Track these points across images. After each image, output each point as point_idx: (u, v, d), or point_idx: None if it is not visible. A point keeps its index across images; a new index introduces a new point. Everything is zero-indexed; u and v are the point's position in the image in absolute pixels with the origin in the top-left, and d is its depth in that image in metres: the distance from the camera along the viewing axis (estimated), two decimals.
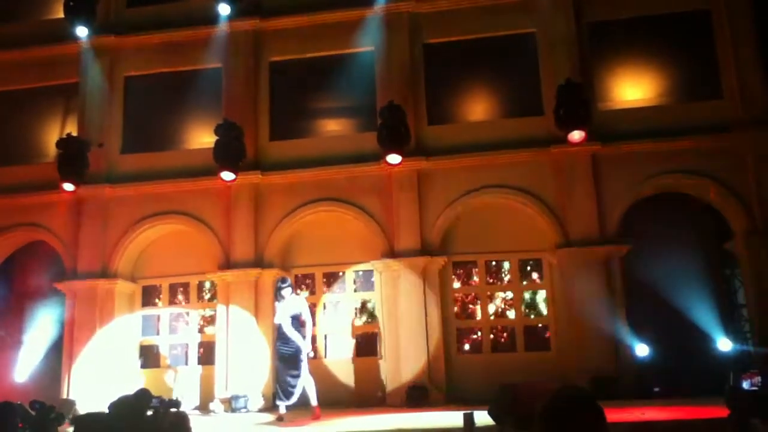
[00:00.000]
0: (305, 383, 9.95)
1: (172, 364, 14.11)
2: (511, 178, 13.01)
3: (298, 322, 10.17)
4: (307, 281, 14.10)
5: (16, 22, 15.55)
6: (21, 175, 14.36)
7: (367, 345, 13.74)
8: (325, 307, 13.94)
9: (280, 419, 9.97)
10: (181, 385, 13.46)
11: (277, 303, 10.17)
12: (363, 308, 14.02)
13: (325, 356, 13.61)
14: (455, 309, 13.51)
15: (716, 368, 11.00)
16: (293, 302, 10.24)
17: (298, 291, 13.23)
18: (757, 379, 7.58)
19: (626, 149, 12.69)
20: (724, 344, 12.00)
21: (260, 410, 12.32)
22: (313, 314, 13.18)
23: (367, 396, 12.77)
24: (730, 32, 13.00)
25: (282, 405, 10.00)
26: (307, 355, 10.16)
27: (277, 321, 10.27)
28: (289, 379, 9.93)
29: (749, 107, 12.60)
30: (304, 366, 9.98)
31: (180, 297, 14.60)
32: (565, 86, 12.29)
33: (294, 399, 9.92)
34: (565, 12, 13.46)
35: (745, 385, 7.48)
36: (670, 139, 12.51)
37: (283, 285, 10.32)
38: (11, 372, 13.92)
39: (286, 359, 10.00)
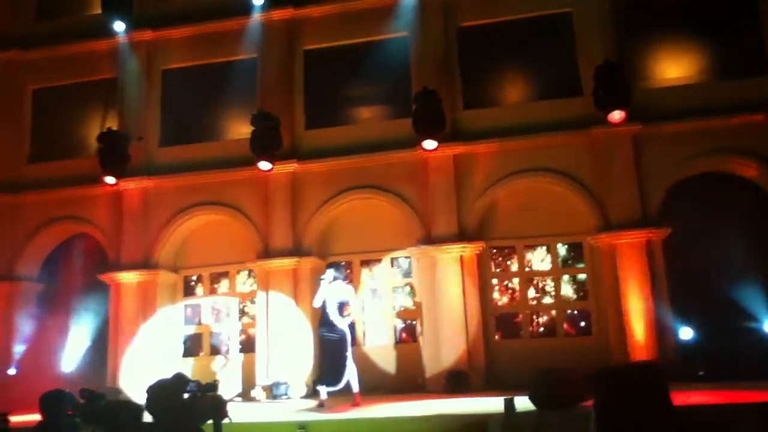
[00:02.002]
0: (349, 369, 9.98)
1: (213, 353, 14.32)
2: (549, 161, 12.83)
3: (344, 309, 10.18)
4: (346, 269, 14.12)
5: (55, 20, 15.84)
6: (63, 170, 14.68)
7: (406, 331, 13.74)
8: (363, 294, 13.96)
9: (321, 405, 10.02)
10: (223, 372, 13.63)
11: (321, 288, 10.14)
12: (401, 295, 14.00)
13: (365, 343, 13.65)
14: (494, 294, 13.41)
15: (762, 351, 10.75)
16: (341, 289, 10.22)
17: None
18: None
19: (667, 129, 12.41)
20: None
21: (301, 397, 12.43)
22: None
23: (407, 382, 12.78)
24: None
25: (323, 391, 10.04)
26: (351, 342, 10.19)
27: (316, 304, 10.27)
28: (335, 365, 9.95)
29: None
30: (350, 353, 10.01)
31: (220, 286, 14.76)
32: (604, 66, 12.04)
33: (340, 385, 9.94)
34: None
35: None
36: (712, 118, 12.19)
37: (331, 269, 10.32)
38: (58, 362, 14.26)
39: (332, 345, 10.00)
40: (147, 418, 5.07)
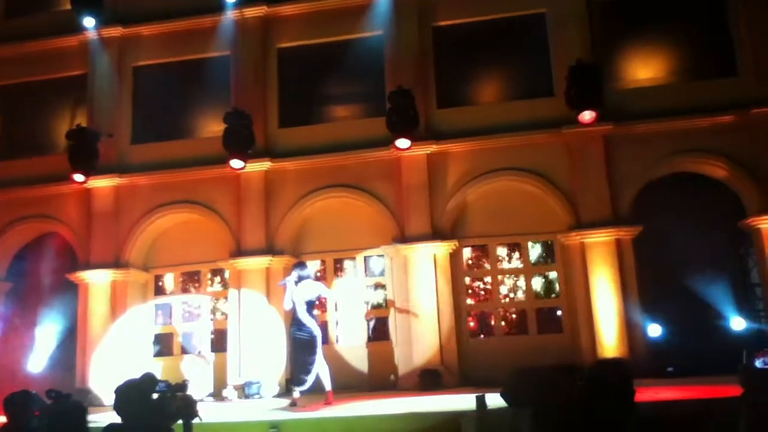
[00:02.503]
0: (320, 369, 9.96)
1: (185, 352, 14.19)
2: (522, 161, 12.92)
3: (313, 307, 10.15)
4: (319, 267, 14.08)
5: (24, 15, 15.58)
6: (32, 168, 14.43)
7: (379, 330, 13.75)
8: (336, 293, 13.91)
9: (293, 404, 9.99)
10: (195, 372, 13.51)
11: (289, 288, 10.10)
12: (375, 293, 13.99)
13: (338, 342, 13.62)
14: (467, 292, 13.47)
15: (730, 347, 10.90)
16: (309, 288, 10.19)
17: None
18: None
19: (639, 129, 12.56)
20: (737, 323, 11.93)
21: (274, 396, 12.37)
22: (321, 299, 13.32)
23: (380, 380, 12.78)
24: (745, 8, 12.79)
25: (296, 390, 10.01)
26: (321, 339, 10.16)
27: (287, 306, 10.25)
28: (305, 364, 9.93)
29: (764, 84, 12.37)
30: (320, 351, 9.98)
31: (192, 285, 14.64)
32: (576, 67, 12.14)
33: (309, 384, 9.92)
34: None
35: (759, 363, 7.40)
36: (683, 119, 12.37)
37: (297, 269, 10.28)
38: (26, 362, 14.04)
39: (302, 345, 9.98)
40: (110, 419, 5.00)
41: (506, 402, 7.47)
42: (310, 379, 9.88)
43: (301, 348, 10.00)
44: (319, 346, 10.00)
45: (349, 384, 12.41)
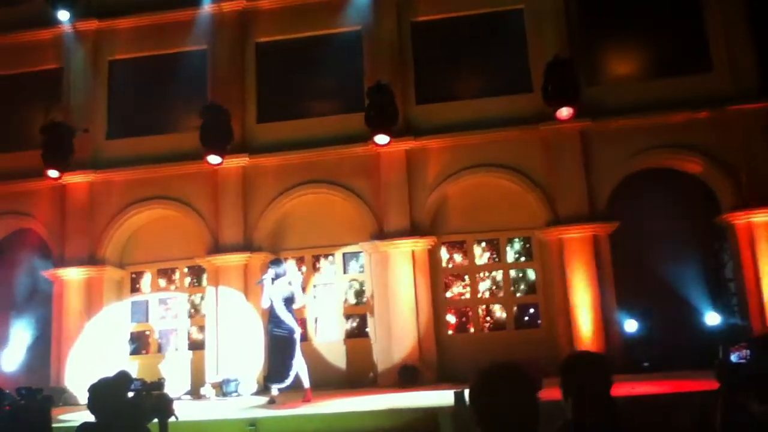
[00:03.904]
0: (298, 366, 9.92)
1: (162, 350, 14.07)
2: (500, 157, 12.95)
3: (291, 304, 10.10)
4: (298, 264, 14.03)
5: None
6: (4, 163, 14.17)
7: (357, 326, 13.74)
8: (315, 290, 13.88)
9: (272, 402, 9.94)
10: (172, 370, 13.39)
11: (266, 286, 10.06)
12: (353, 290, 13.96)
13: (316, 338, 13.58)
14: (445, 289, 13.48)
15: (705, 342, 11.04)
16: (285, 284, 10.13)
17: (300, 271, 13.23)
18: (746, 352, 7.56)
19: (615, 125, 12.64)
20: (712, 318, 12.07)
21: (252, 394, 12.30)
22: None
23: (359, 377, 12.78)
24: (720, 4, 12.92)
25: (274, 388, 9.96)
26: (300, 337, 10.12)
27: (264, 305, 10.21)
28: (284, 361, 9.88)
29: (739, 81, 12.52)
30: (297, 348, 9.94)
31: (169, 282, 14.51)
32: (553, 63, 12.17)
33: (288, 382, 9.88)
34: None
35: (734, 358, 7.46)
36: (659, 114, 12.48)
37: (273, 267, 10.22)
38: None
39: (280, 342, 9.93)
40: (84, 418, 4.95)
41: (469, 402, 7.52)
42: (288, 377, 9.84)
43: (280, 345, 9.95)
44: (298, 343, 9.96)
45: (328, 381, 12.38)
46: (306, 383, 10.00)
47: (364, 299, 13.64)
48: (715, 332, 11.73)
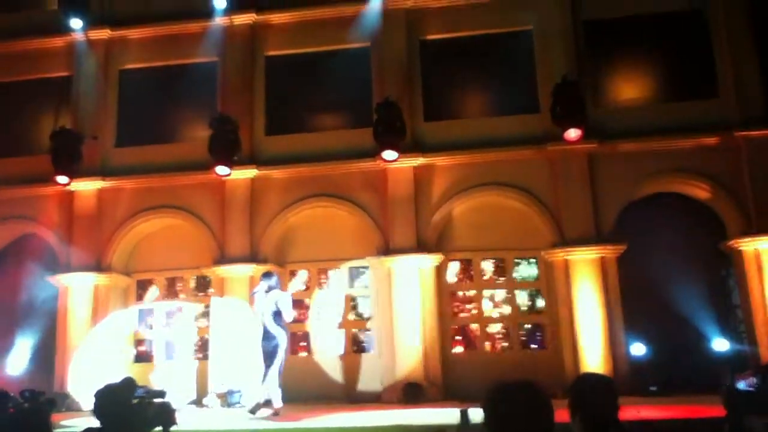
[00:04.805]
0: (272, 378, 9.89)
1: (166, 359, 14.06)
2: (506, 176, 13.00)
3: (280, 317, 10.13)
4: (304, 277, 14.06)
5: (9, 14, 15.38)
6: (14, 168, 14.23)
7: (361, 341, 13.74)
8: (319, 303, 13.89)
9: (275, 414, 9.94)
10: (176, 379, 13.37)
11: (258, 298, 10.14)
12: (358, 304, 13.97)
13: (319, 352, 13.57)
14: (451, 306, 13.48)
15: (712, 368, 11.05)
16: (275, 298, 10.17)
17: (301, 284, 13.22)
18: (753, 379, 7.60)
19: (623, 148, 12.71)
20: (719, 344, 12.05)
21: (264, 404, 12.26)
22: (304, 308, 13.35)
23: (362, 392, 12.75)
24: (727, 31, 13.04)
25: (277, 399, 9.96)
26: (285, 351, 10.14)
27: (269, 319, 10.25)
28: (264, 373, 9.95)
29: (745, 106, 12.62)
30: (278, 362, 9.93)
31: (175, 291, 14.50)
32: (562, 84, 12.28)
33: (275, 395, 9.89)
34: (561, 9, 13.45)
35: (741, 385, 7.50)
36: (666, 138, 12.55)
37: (265, 279, 10.27)
38: (4, 365, 13.80)
39: (266, 354, 10.01)
40: (88, 424, 4.98)
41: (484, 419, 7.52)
42: (275, 389, 9.88)
43: (266, 357, 10.01)
44: (279, 357, 9.95)
45: (330, 395, 12.40)
46: (274, 400, 9.95)
47: (368, 314, 13.63)
48: (722, 358, 11.70)
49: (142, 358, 14.18)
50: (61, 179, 13.39)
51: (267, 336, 9.99)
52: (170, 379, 13.17)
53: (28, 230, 14.36)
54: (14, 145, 14.95)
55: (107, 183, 13.97)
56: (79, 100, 14.56)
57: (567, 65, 12.92)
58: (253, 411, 9.94)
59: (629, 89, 13.82)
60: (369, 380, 12.91)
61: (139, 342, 14.29)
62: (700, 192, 12.71)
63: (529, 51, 13.66)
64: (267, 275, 10.48)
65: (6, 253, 14.77)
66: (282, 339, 9.98)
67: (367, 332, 13.70)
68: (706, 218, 12.79)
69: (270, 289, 10.12)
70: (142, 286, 14.48)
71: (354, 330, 13.79)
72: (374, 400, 12.36)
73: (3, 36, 14.80)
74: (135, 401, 5.70)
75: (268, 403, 9.96)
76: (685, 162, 12.50)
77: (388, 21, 13.88)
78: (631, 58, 13.81)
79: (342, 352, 13.52)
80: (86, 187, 13.88)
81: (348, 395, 12.76)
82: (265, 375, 9.92)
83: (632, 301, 12.34)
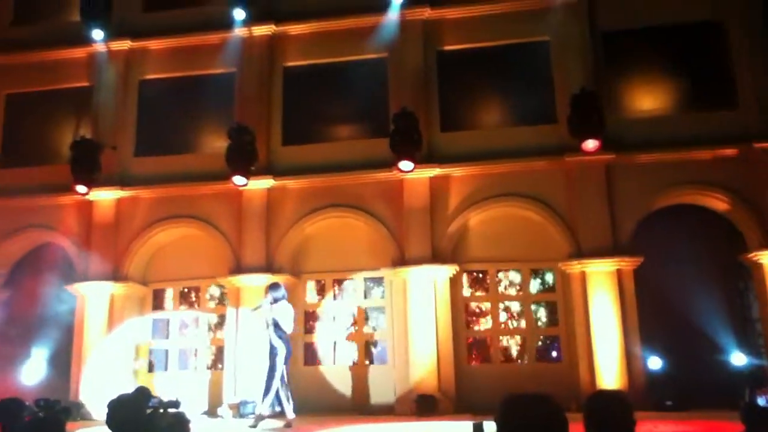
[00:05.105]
0: (271, 390, 9.90)
1: (181, 368, 14.09)
2: (523, 187, 12.92)
3: (280, 329, 10.13)
4: (318, 287, 14.05)
5: (31, 25, 15.63)
6: (34, 177, 14.40)
7: (375, 352, 13.68)
8: (333, 314, 13.87)
9: (287, 426, 9.92)
10: (189, 389, 13.39)
11: (264, 309, 10.16)
12: (372, 315, 13.93)
13: (333, 363, 13.55)
14: (465, 318, 13.40)
15: (730, 383, 10.87)
16: (279, 309, 10.18)
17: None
18: None
19: (641, 159, 12.60)
20: (738, 359, 11.86)
21: (269, 416, 12.24)
22: (313, 319, 13.42)
23: (375, 404, 12.70)
24: (745, 42, 12.91)
25: (289, 411, 9.94)
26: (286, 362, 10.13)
27: (264, 328, 10.27)
28: (265, 383, 9.98)
29: (765, 117, 12.45)
30: (277, 373, 9.93)
31: (191, 301, 14.56)
32: (579, 95, 12.21)
33: (267, 403, 9.87)
34: (579, 20, 13.39)
35: (761, 401, 7.36)
36: (684, 150, 12.41)
37: (272, 292, 10.28)
38: (20, 373, 13.91)
39: (269, 367, 10.04)
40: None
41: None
42: (268, 399, 9.89)
43: (268, 370, 10.04)
44: (279, 367, 9.96)
45: (343, 406, 12.36)
46: (264, 410, 9.94)
47: (382, 325, 13.59)
48: (740, 373, 11.51)
49: (156, 367, 14.21)
50: (80, 189, 13.53)
51: (271, 348, 10.06)
52: (183, 388, 13.20)
53: (47, 239, 14.48)
54: (35, 155, 15.13)
55: (125, 193, 14.08)
56: (99, 110, 14.72)
57: (584, 76, 12.85)
58: (254, 425, 9.92)
59: (647, 100, 13.69)
60: (382, 392, 12.85)
61: (153, 351, 14.32)
62: (719, 204, 12.54)
63: (547, 61, 13.60)
64: (273, 287, 10.52)
65: (24, 261, 14.90)
66: (281, 350, 9.98)
67: (381, 343, 13.65)
68: (725, 230, 12.63)
69: (275, 300, 10.15)
70: (158, 296, 14.55)
71: (368, 341, 13.75)
72: (387, 411, 12.31)
73: (26, 47, 15.02)
74: (149, 411, 5.69)
75: (279, 415, 9.95)
76: (703, 173, 12.36)
77: (406, 32, 13.90)
78: (649, 68, 13.69)
79: (355, 363, 13.47)
80: (105, 196, 14.00)
81: (361, 407, 12.71)
82: (265, 388, 9.91)
83: (649, 314, 12.18)
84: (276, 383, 9.90)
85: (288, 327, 10.14)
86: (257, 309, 10.33)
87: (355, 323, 13.75)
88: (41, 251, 14.76)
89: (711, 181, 12.38)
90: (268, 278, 13.13)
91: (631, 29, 13.44)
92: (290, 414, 9.95)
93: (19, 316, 14.49)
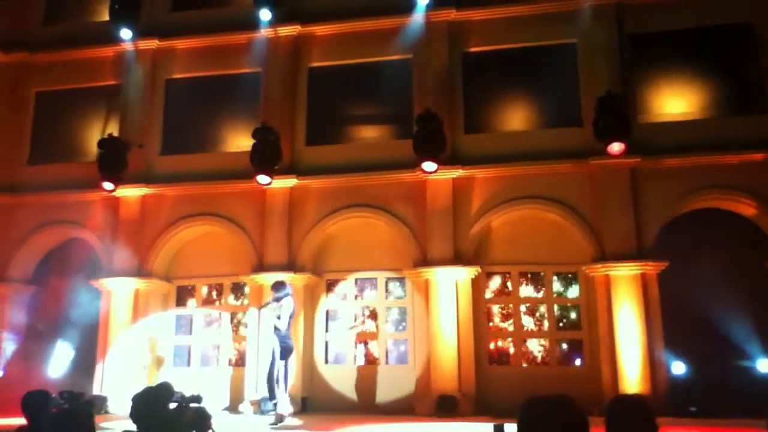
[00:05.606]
0: (269, 383, 10.08)
1: (203, 365, 14.21)
2: (547, 190, 12.86)
3: (278, 326, 10.29)
4: (339, 286, 14.09)
5: (61, 24, 15.90)
6: (62, 173, 14.65)
7: (397, 352, 13.69)
8: (355, 313, 13.91)
9: (280, 420, 10.00)
10: (212, 385, 13.50)
11: (272, 308, 10.31)
12: (393, 315, 13.94)
13: (354, 362, 13.58)
14: (487, 319, 13.37)
15: (756, 390, 10.72)
16: (278, 308, 10.29)
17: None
18: None
19: (666, 164, 12.48)
20: (764, 365, 11.68)
21: (290, 414, 12.30)
22: (334, 318, 13.52)
23: (395, 403, 12.71)
24: None
25: (282, 405, 10.12)
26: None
27: (282, 326, 10.38)
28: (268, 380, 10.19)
29: None
30: (274, 369, 10.16)
31: (214, 298, 14.68)
32: (606, 98, 12.10)
33: (280, 402, 10.02)
34: (606, 23, 13.30)
35: None
36: (711, 154, 12.28)
37: (275, 291, 10.45)
38: (46, 367, 14.11)
39: (270, 363, 10.30)
40: (124, 427, 5.05)
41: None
42: (278, 396, 10.05)
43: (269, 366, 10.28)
44: (276, 364, 10.17)
45: (364, 406, 12.40)
46: (281, 406, 10.08)
47: (404, 325, 13.60)
48: (765, 380, 11.35)
49: (179, 362, 14.34)
50: (107, 185, 13.69)
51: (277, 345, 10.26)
52: (205, 385, 13.30)
53: (74, 234, 14.71)
54: (63, 152, 15.39)
55: (151, 190, 14.24)
56: (127, 108, 14.92)
57: (611, 79, 12.76)
58: (275, 423, 9.99)
59: (674, 104, 13.55)
60: (402, 392, 12.86)
61: (176, 347, 14.45)
62: (746, 209, 12.38)
63: (573, 64, 13.52)
64: (277, 285, 10.62)
65: (51, 256, 15.15)
66: (276, 347, 10.16)
67: (402, 343, 13.66)
68: (752, 235, 12.45)
69: (279, 299, 10.30)
70: (182, 292, 14.68)
71: (389, 341, 13.76)
72: (407, 412, 12.29)
73: (55, 46, 15.30)
74: (171, 406, 5.76)
75: (296, 414, 10.11)
76: (730, 178, 12.21)
77: (431, 33, 13.90)
78: (676, 72, 13.54)
79: (375, 362, 13.49)
80: (131, 193, 14.18)
81: (380, 406, 12.73)
82: (270, 385, 10.13)
83: (673, 319, 12.04)
84: (281, 380, 10.04)
85: (282, 324, 10.22)
86: (263, 307, 10.46)
87: (375, 323, 13.77)
88: (68, 247, 15.00)
89: (738, 185, 12.23)
90: (290, 277, 13.21)
91: (658, 32, 13.32)
92: (283, 408, 10.10)
93: (45, 310, 14.71)
